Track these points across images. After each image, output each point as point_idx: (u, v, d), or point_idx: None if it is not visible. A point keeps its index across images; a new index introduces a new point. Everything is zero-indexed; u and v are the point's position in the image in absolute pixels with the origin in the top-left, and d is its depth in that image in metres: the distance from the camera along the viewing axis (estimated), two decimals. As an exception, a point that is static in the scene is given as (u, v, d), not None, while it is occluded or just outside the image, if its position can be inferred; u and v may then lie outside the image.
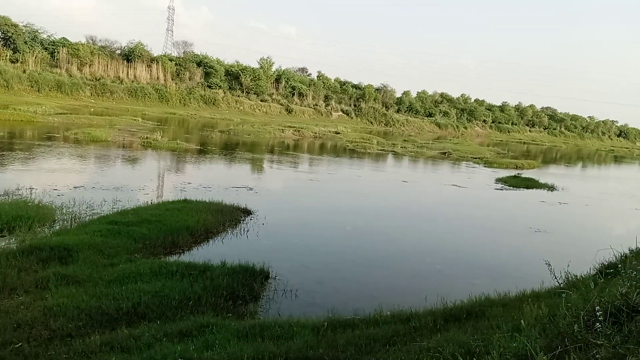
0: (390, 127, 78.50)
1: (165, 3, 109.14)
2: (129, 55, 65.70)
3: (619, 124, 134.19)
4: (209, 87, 67.47)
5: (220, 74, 70.27)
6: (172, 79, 65.58)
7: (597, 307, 3.60)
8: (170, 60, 69.74)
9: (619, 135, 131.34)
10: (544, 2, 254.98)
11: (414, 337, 6.06)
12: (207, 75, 69.42)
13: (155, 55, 69.59)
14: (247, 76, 70.70)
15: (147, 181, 16.47)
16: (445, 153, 40.86)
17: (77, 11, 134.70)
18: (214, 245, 10.41)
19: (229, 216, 12.17)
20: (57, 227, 10.15)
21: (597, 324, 3.16)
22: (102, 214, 11.21)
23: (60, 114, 36.37)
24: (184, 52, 75.33)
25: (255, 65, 75.53)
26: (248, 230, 11.52)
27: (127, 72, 63.11)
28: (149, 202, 12.62)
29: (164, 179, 18.08)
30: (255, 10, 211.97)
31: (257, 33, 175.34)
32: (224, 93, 67.54)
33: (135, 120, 39.18)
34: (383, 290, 8.78)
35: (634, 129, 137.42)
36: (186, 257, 9.26)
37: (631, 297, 3.84)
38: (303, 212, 14.85)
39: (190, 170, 20.48)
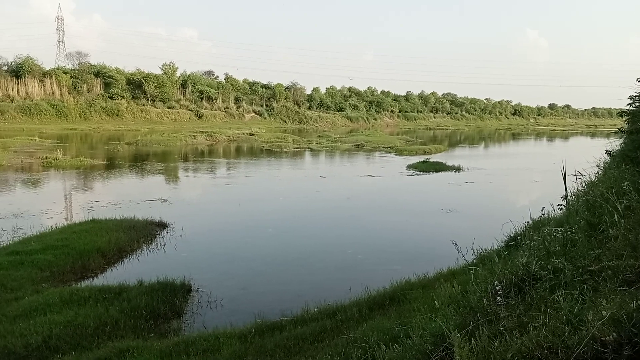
0: (304, 124, 79.06)
1: (52, 14, 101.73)
2: (18, 71, 60.43)
3: (513, 104, 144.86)
4: (111, 98, 63.83)
5: (121, 84, 66.83)
6: (69, 93, 61.20)
7: (502, 279, 3.86)
8: (65, 73, 65.09)
9: (514, 114, 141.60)
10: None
11: (342, 330, 6.16)
12: (107, 85, 65.71)
13: (47, 69, 64.76)
14: (151, 83, 67.83)
15: (50, 204, 15.35)
16: (359, 145, 41.89)
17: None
18: (129, 264, 9.94)
19: (143, 232, 11.67)
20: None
21: (498, 297, 3.36)
22: (1, 245, 10.33)
23: (-55, 141, 32.99)
24: (79, 64, 70.78)
25: (158, 72, 72.67)
26: (165, 245, 11.11)
27: (18, 90, 58.21)
28: (54, 227, 11.76)
29: (69, 199, 16.97)
30: (151, 15, 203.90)
31: (155, 39, 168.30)
32: (128, 103, 64.25)
33: (32, 140, 36.38)
34: (309, 288, 8.83)
35: (526, 107, 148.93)
36: (99, 281, 8.79)
37: (531, 266, 4.16)
38: (222, 219, 14.57)
39: (98, 188, 19.38)
